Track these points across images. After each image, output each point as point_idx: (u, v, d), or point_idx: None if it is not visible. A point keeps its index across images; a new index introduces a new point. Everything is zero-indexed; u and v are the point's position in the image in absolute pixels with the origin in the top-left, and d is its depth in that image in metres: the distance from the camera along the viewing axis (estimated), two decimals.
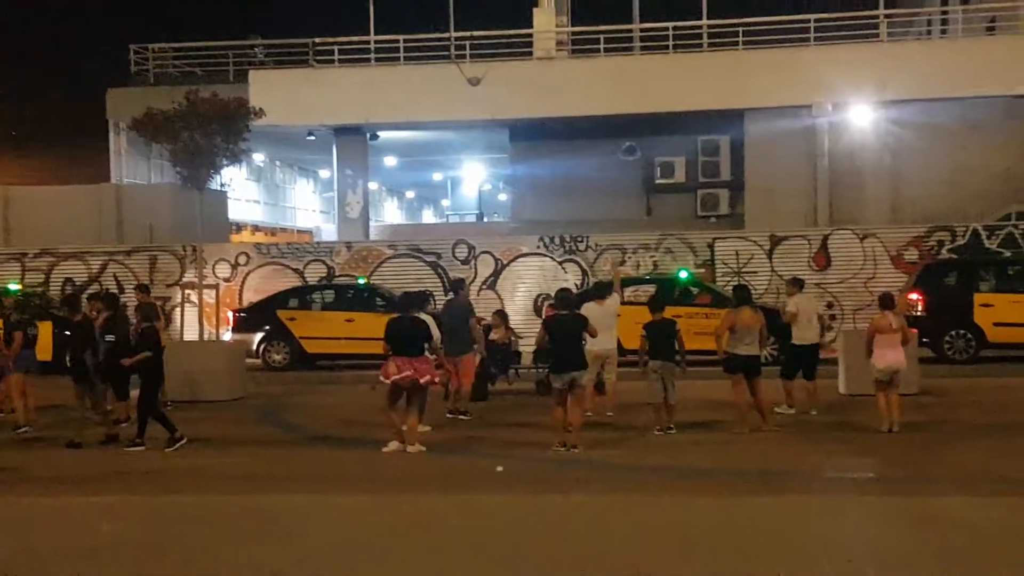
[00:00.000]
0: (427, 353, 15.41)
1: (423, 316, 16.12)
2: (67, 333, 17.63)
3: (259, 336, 26.48)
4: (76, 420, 16.09)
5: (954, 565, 8.49)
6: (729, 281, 28.10)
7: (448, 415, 17.86)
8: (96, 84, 41.79)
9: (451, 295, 20.15)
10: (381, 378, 15.03)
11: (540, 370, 21.05)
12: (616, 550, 9.18)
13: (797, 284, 18.51)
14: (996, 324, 24.29)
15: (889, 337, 15.67)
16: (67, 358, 16.90)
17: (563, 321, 14.99)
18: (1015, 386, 20.70)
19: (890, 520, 10.22)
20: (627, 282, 25.41)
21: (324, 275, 29.91)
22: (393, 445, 14.78)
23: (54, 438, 16.46)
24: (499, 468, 11.02)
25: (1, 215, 36.38)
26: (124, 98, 38.43)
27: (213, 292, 28.58)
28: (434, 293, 27.64)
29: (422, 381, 14.91)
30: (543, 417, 15.77)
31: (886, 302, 16.21)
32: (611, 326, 17.34)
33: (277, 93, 35.21)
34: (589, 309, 16.55)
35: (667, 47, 37.24)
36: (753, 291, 25.18)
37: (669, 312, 17.56)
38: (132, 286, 25.65)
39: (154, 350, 15.90)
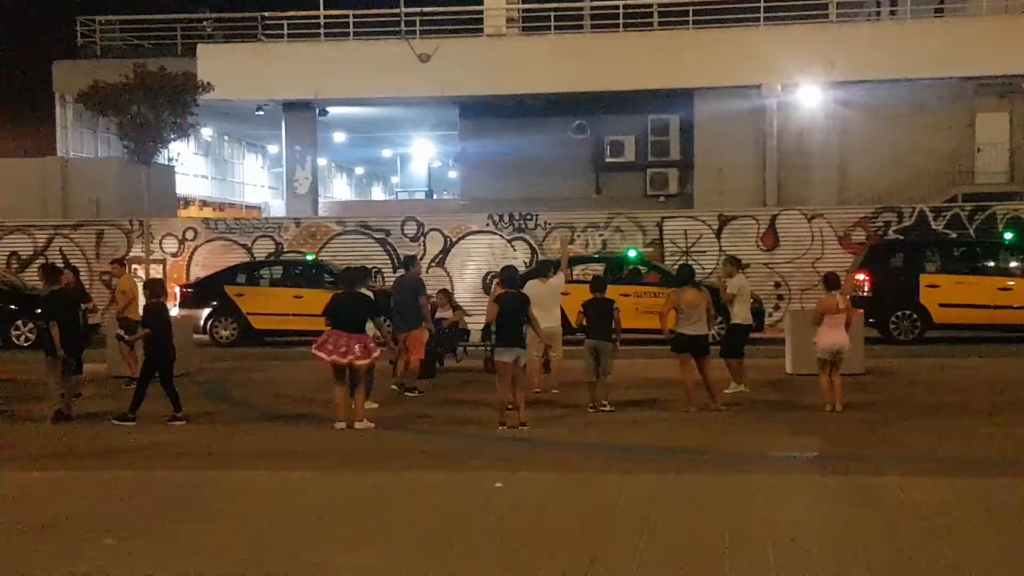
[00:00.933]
0: (369, 330, 15.32)
1: (364, 292, 16.06)
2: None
3: (206, 312, 26.27)
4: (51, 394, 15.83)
5: (896, 543, 8.53)
6: (678, 260, 28.21)
7: (393, 389, 17.76)
8: (42, 57, 41.33)
9: (401, 271, 20.07)
10: (315, 351, 14.89)
11: (488, 348, 21.04)
12: (559, 527, 9.16)
13: (735, 263, 18.54)
14: (942, 305, 24.48)
15: (835, 317, 15.72)
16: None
17: (508, 299, 14.96)
18: (960, 366, 20.85)
19: (832, 499, 10.25)
20: (576, 261, 25.49)
21: (272, 251, 29.79)
22: (340, 424, 14.69)
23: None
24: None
25: None
26: (70, 71, 38.02)
27: (160, 267, 28.33)
28: (382, 270, 27.58)
29: (358, 364, 14.80)
30: (490, 395, 15.71)
31: (832, 282, 16.23)
32: (554, 305, 17.38)
33: (226, 67, 34.94)
34: (532, 287, 16.62)
35: (617, 25, 37.28)
36: (701, 271, 25.45)
37: (617, 291, 17.59)
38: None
39: (162, 326, 15.73)
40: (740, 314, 17.60)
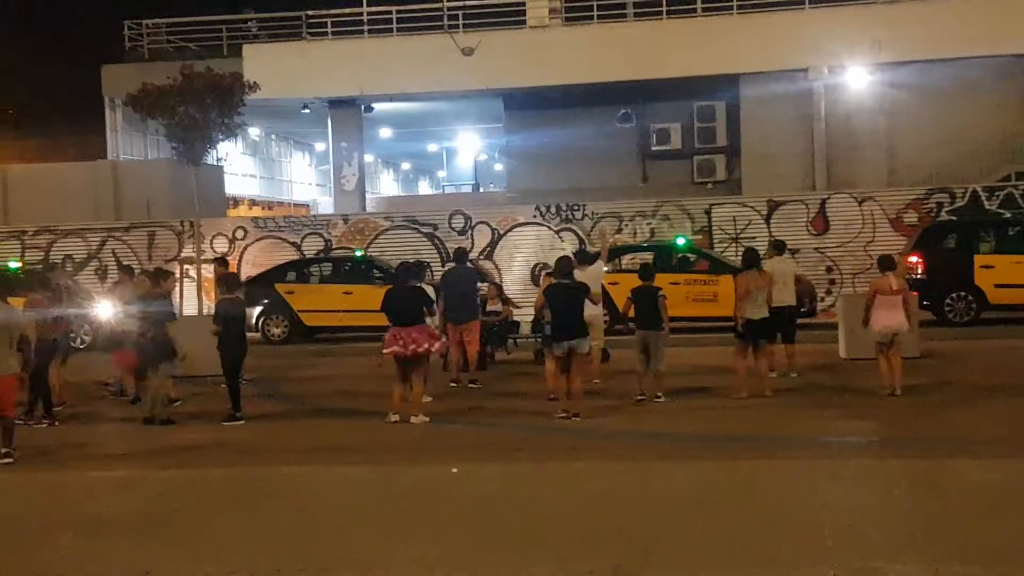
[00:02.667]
0: (427, 321, 15.36)
1: (421, 286, 16.13)
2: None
3: (258, 310, 26.35)
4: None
5: (955, 526, 8.46)
6: (727, 248, 28.06)
7: (451, 385, 17.84)
8: (91, 61, 41.66)
9: (451, 264, 20.12)
10: (385, 351, 14.97)
11: (538, 340, 21.04)
12: (613, 516, 9.14)
13: (773, 248, 18.46)
14: (997, 286, 24.20)
15: (889, 299, 15.59)
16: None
17: (561, 289, 14.94)
18: (1016, 348, 20.64)
19: (891, 482, 10.18)
20: (625, 250, 25.44)
21: (321, 248, 29.89)
22: (394, 417, 14.74)
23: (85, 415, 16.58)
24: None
25: (1, 192, 36.29)
26: (119, 74, 38.31)
27: (211, 267, 28.50)
28: (431, 264, 27.60)
29: (420, 351, 14.84)
30: (542, 386, 15.73)
31: (886, 263, 16.11)
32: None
33: (271, 67, 35.05)
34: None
35: (660, 13, 37.06)
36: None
37: (667, 279, 17.52)
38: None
39: (234, 323, 15.85)
40: (776, 298, 17.40)
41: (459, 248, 21.44)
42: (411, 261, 17.95)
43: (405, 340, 14.72)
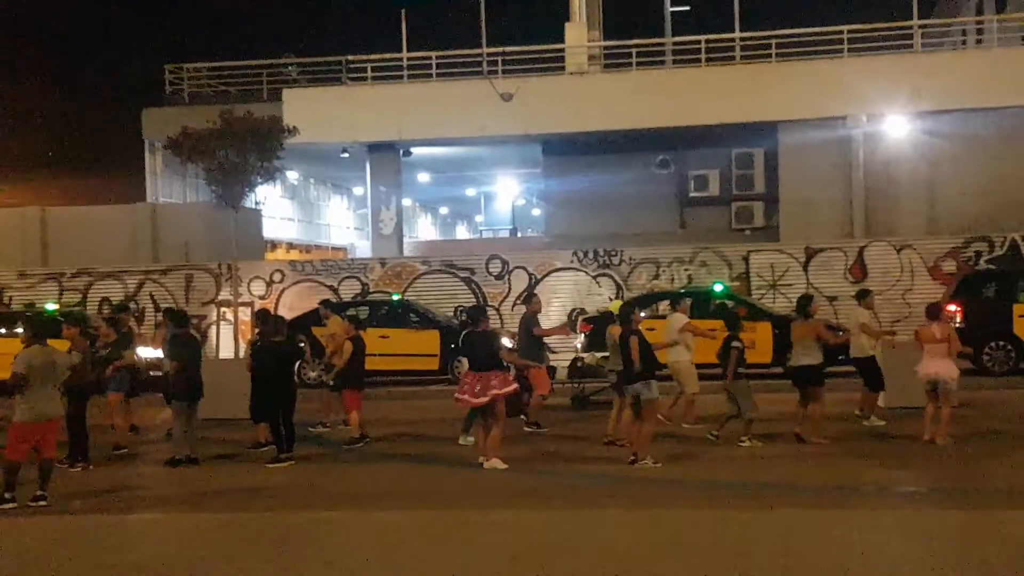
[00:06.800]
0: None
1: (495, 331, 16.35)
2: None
3: None
4: (179, 439, 16.06)
5: None
6: (764, 295, 28.01)
7: (526, 429, 17.99)
8: (131, 104, 42.09)
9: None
10: (458, 396, 15.16)
11: (576, 385, 21.04)
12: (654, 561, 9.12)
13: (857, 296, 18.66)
14: None
15: (934, 347, 15.60)
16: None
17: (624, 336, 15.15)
18: None
19: (929, 534, 10.12)
20: (659, 296, 25.47)
21: (359, 292, 30.02)
22: (481, 458, 14.79)
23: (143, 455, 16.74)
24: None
25: (39, 235, 36.62)
26: (159, 118, 38.68)
27: (248, 310, 28.66)
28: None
29: (499, 394, 14.79)
30: (583, 428, 15.75)
31: (931, 312, 16.24)
32: (677, 341, 17.87)
33: (310, 111, 35.33)
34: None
35: (699, 60, 37.18)
36: (788, 303, 25.25)
37: (706, 325, 17.56)
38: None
39: (279, 363, 16.15)
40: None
41: (528, 293, 21.74)
42: (478, 305, 18.21)
43: (482, 386, 14.73)
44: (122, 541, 11.00)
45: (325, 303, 21.08)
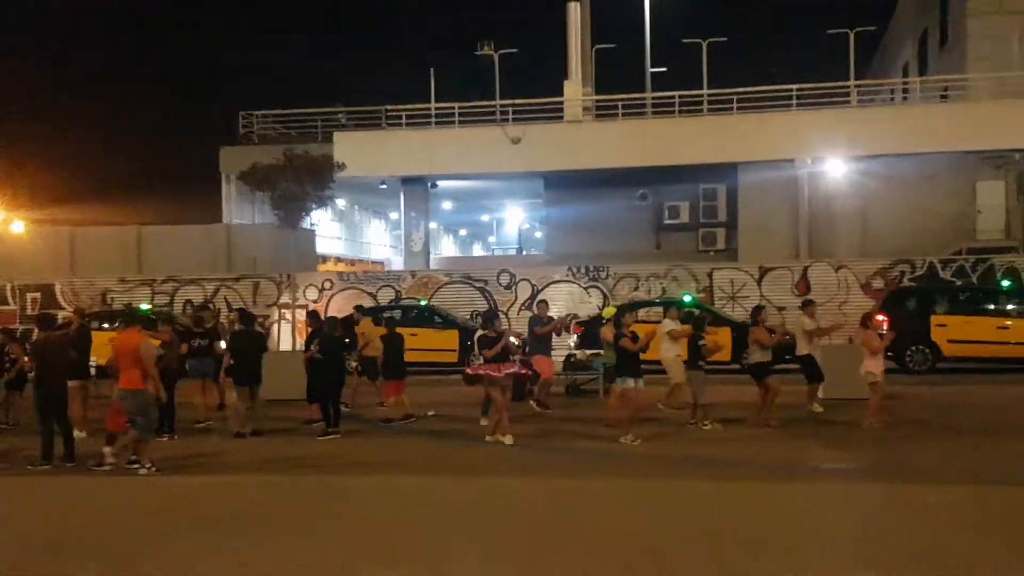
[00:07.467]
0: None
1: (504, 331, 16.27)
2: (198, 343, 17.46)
3: None
4: (240, 416, 16.01)
5: (912, 539, 8.33)
6: (725, 304, 27.93)
7: (537, 410, 17.88)
8: (212, 143, 42.30)
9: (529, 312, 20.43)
10: (470, 370, 15.60)
11: (568, 376, 20.96)
12: (631, 527, 9.05)
13: (755, 310, 18.13)
14: (950, 341, 24.00)
15: (867, 349, 15.58)
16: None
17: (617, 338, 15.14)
18: (966, 393, 20.35)
19: (861, 502, 10.06)
20: (639, 304, 25.39)
21: (393, 298, 29.97)
22: (508, 439, 14.63)
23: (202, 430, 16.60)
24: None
25: (136, 249, 36.72)
26: (234, 155, 38.81)
27: (303, 311, 28.61)
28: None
29: (510, 373, 14.94)
30: (577, 412, 15.64)
31: (864, 321, 16.31)
32: (664, 342, 17.63)
33: (356, 150, 35.42)
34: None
35: (673, 111, 37.31)
36: (745, 313, 25.17)
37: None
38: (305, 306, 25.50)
39: (336, 355, 16.18)
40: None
41: (540, 301, 21.73)
42: (489, 310, 18.20)
43: (499, 367, 14.78)
44: (203, 499, 10.95)
45: (358, 308, 20.93)
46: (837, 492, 10.83)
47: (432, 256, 44.17)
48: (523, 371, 16.15)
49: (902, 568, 7.49)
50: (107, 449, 13.17)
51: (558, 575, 7.40)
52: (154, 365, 12.98)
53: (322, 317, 18.64)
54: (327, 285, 30.68)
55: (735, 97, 36.61)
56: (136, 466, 12.65)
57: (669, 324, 17.78)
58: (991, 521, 9.05)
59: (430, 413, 17.93)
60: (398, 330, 18.22)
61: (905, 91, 44.25)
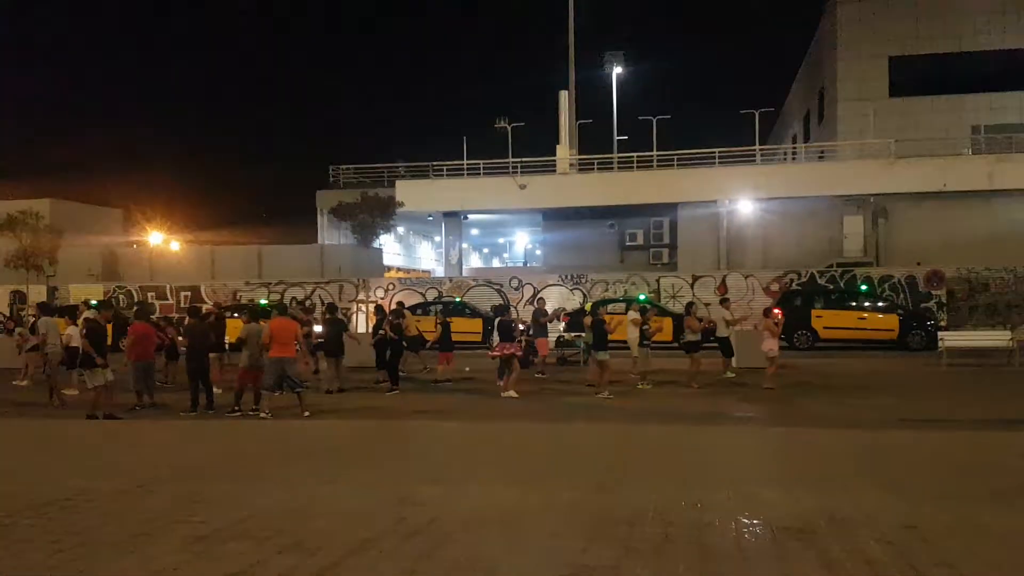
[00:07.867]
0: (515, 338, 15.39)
1: (514, 319, 16.20)
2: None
3: None
4: (329, 378, 15.83)
5: (806, 468, 8.22)
6: (668, 301, 27.75)
7: (537, 375, 17.71)
8: (311, 187, 42.36)
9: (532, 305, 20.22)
10: (491, 354, 15.36)
11: (559, 351, 20.82)
12: (606, 455, 8.93)
13: (687, 307, 17.83)
14: (825, 327, 23.85)
15: (766, 332, 15.46)
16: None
17: (598, 323, 14.90)
18: (837, 364, 20.20)
19: (763, 442, 9.93)
20: (608, 301, 25.22)
21: (436, 296, 29.87)
22: (511, 392, 14.49)
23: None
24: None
25: (257, 261, 36.71)
26: (326, 196, 39.04)
27: (372, 305, 28.53)
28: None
29: (508, 352, 14.80)
30: (565, 376, 15.48)
31: (766, 313, 16.13)
32: (629, 327, 17.38)
33: (411, 193, 35.50)
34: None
35: (632, 167, 37.27)
36: (681, 307, 24.94)
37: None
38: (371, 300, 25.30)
39: (399, 333, 15.93)
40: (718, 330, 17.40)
41: (540, 299, 21.60)
42: (502, 304, 18.10)
43: (502, 348, 14.76)
44: (304, 436, 10.85)
45: (400, 304, 20.84)
46: (747, 433, 10.70)
47: (464, 267, 44.12)
48: (519, 353, 15.56)
49: (795, 485, 7.37)
50: (244, 401, 13.02)
51: (551, 485, 7.29)
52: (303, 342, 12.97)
53: (386, 310, 18.57)
54: (390, 287, 30.55)
55: (675, 157, 36.66)
56: (261, 414, 12.61)
57: (632, 315, 17.66)
58: (861, 454, 8.91)
59: (467, 369, 17.88)
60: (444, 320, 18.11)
61: (794, 153, 44.03)
